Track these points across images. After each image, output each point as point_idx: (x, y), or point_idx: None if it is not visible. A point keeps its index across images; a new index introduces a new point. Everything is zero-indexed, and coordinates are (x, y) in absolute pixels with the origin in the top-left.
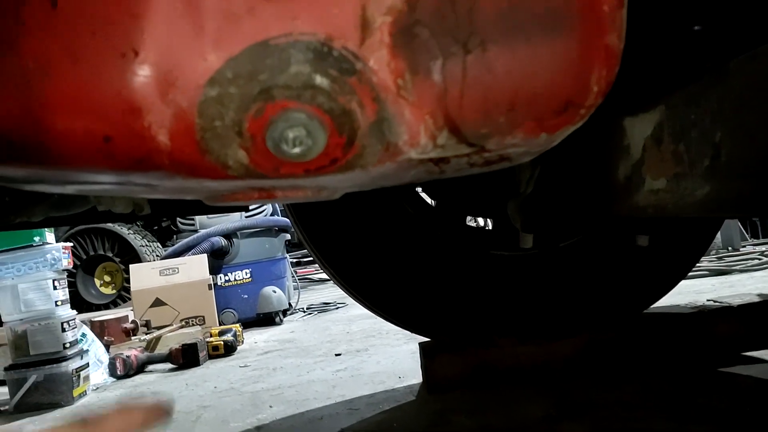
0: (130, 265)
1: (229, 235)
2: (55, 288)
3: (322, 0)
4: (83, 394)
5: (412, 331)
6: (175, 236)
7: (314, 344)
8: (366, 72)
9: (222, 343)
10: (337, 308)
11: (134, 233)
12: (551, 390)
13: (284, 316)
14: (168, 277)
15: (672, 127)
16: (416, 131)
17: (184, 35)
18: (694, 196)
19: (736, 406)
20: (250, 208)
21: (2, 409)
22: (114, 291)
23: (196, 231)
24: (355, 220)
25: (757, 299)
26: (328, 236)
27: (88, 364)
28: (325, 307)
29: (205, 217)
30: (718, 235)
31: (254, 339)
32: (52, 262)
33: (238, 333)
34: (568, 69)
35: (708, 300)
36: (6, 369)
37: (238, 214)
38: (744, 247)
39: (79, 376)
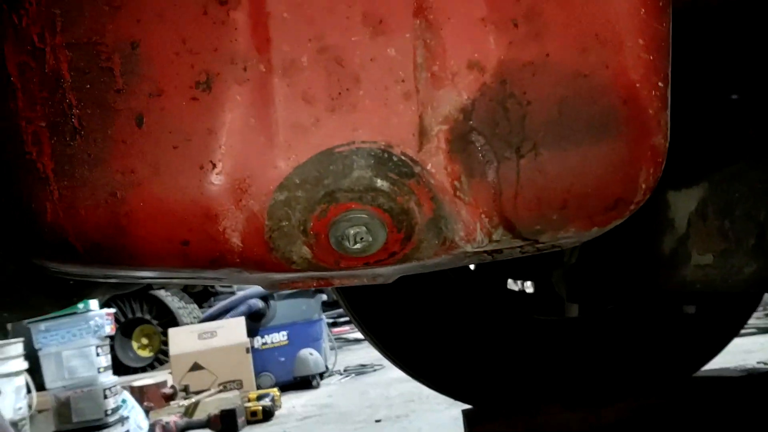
0: (169, 329)
1: (266, 297)
2: (98, 355)
3: (382, 111)
4: None
5: (453, 398)
6: (212, 298)
7: (353, 409)
8: (424, 175)
9: (260, 408)
10: (375, 370)
11: (172, 295)
12: None
13: (321, 379)
14: (206, 341)
15: (716, 203)
16: (472, 228)
17: (257, 146)
18: (743, 273)
19: None
20: None
21: None
22: (151, 354)
23: (232, 293)
24: (396, 285)
25: None
26: (367, 301)
27: (129, 431)
28: (362, 369)
29: None
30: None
31: (292, 403)
32: (95, 328)
33: (275, 397)
34: (617, 170)
35: (758, 362)
36: None
37: None
38: None
39: None
